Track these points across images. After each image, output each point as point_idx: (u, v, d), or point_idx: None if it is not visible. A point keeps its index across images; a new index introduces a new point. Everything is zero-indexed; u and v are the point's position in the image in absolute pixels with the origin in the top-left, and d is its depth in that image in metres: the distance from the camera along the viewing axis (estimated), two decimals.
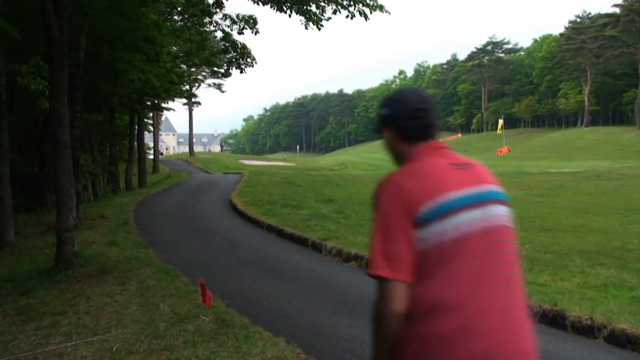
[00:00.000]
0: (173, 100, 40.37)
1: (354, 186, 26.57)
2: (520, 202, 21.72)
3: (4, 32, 11.44)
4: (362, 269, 9.30)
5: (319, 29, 13.29)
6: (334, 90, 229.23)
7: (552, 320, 6.34)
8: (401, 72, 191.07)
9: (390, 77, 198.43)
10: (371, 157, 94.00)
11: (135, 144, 33.78)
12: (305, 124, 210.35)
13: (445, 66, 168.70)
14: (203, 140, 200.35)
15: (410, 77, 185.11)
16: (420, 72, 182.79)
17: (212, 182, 32.30)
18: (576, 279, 8.12)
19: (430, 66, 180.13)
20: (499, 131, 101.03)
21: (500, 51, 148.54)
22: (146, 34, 17.21)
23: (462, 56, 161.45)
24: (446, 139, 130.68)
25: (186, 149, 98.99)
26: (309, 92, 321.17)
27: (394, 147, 2.28)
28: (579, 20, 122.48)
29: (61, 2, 9.79)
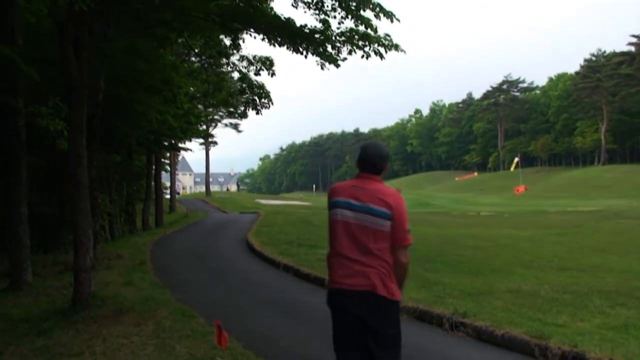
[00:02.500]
0: (190, 140, 40.57)
1: None
2: (538, 242, 21.55)
3: (24, 74, 11.62)
4: None
5: (337, 67, 13.39)
6: (349, 128, 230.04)
7: None
8: (417, 111, 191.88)
9: (406, 116, 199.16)
10: None
11: (153, 183, 33.89)
12: (322, 163, 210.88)
13: (460, 105, 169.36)
14: (220, 179, 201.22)
15: (426, 116, 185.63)
16: (435, 110, 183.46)
17: (229, 222, 32.30)
18: (596, 320, 8.01)
19: (446, 105, 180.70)
20: (512, 168, 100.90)
21: (516, 90, 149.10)
22: (164, 76, 17.41)
23: (477, 95, 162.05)
24: (462, 177, 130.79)
25: (203, 189, 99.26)
26: (325, 130, 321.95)
27: None
28: (594, 58, 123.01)
29: (80, 45, 9.93)
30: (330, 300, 4.23)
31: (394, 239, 4.04)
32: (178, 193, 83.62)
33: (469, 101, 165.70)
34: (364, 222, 4.04)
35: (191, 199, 73.29)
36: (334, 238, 4.17)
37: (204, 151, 69.06)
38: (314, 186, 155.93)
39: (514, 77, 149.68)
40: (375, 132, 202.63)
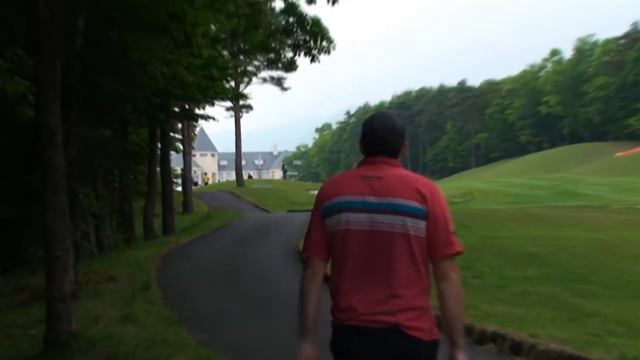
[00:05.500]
0: (212, 105, 40.49)
1: (488, 227, 26.28)
2: None
3: None
4: (504, 355, 9.16)
5: None
6: (451, 81, 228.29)
7: None
8: (554, 53, 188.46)
9: (538, 61, 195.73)
10: (511, 182, 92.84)
11: (158, 169, 34.07)
12: (410, 133, 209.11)
13: (622, 41, 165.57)
14: (257, 162, 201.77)
15: (569, 59, 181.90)
16: (583, 51, 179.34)
17: (272, 225, 32.51)
18: None
19: (600, 42, 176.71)
20: None
21: None
22: (172, 9, 17.46)
23: None
24: (626, 152, 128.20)
25: (231, 176, 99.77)
26: (414, 85, 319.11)
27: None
28: None
29: None
30: (337, 343, 4.11)
31: (434, 246, 3.93)
32: (196, 183, 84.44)
33: (634, 35, 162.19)
34: (387, 227, 3.92)
35: (215, 191, 73.81)
36: (342, 255, 4.02)
37: (232, 120, 69.21)
38: None
39: None
40: (490, 86, 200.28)
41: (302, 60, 24.41)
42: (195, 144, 71.00)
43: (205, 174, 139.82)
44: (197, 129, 77.64)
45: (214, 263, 20.92)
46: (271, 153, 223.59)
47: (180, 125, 44.82)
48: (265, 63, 58.68)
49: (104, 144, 26.91)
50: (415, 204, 3.88)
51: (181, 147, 49.49)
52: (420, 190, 3.92)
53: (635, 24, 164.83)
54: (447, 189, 77.10)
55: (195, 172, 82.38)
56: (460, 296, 3.97)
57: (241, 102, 64.18)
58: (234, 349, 10.02)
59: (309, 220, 4.21)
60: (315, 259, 4.10)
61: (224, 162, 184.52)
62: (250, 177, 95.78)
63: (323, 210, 4.07)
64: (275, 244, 24.53)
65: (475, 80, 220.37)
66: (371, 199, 3.94)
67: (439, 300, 3.95)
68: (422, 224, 3.88)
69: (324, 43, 20.71)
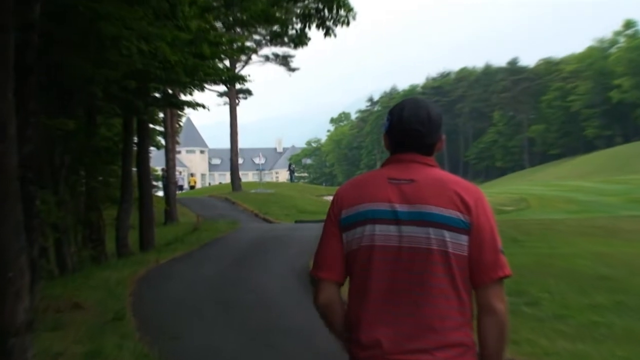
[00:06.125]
0: (202, 90, 40.26)
1: (546, 242, 26.19)
2: None
3: None
4: None
5: None
6: (499, 61, 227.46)
7: None
8: (628, 24, 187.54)
9: (608, 35, 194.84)
10: (574, 186, 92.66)
11: (134, 170, 33.95)
12: (448, 123, 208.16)
13: None
14: (257, 160, 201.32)
15: None
16: None
17: (276, 239, 32.51)
18: None
19: None
20: None
21: None
22: None
23: None
24: None
25: (225, 178, 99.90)
26: (454, 66, 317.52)
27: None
28: None
29: None
30: None
31: (479, 268, 3.84)
32: (181, 187, 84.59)
33: None
34: (421, 243, 3.82)
35: (205, 196, 73.89)
36: (365, 278, 3.92)
37: (226, 109, 69.15)
38: None
39: None
40: (547, 66, 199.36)
41: (313, 34, 24.12)
42: (180, 139, 71.12)
43: (192, 175, 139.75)
44: (183, 120, 77.54)
45: (202, 287, 20.93)
46: (275, 150, 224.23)
47: (162, 115, 44.77)
48: (267, 37, 58.61)
49: (67, 137, 26.70)
50: (456, 214, 3.79)
51: (163, 141, 49.44)
52: (462, 197, 3.83)
53: None
54: (495, 195, 77.21)
55: (180, 173, 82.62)
56: (505, 333, 3.87)
57: (238, 87, 63.93)
58: None
59: (322, 232, 4.14)
60: (328, 282, 4.04)
61: (216, 161, 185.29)
62: (239, 179, 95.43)
63: (341, 221, 3.97)
64: (279, 262, 24.54)
65: (529, 60, 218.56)
66: (401, 208, 3.84)
67: (478, 335, 3.87)
68: (464, 239, 3.79)
69: (342, 12, 20.56)
